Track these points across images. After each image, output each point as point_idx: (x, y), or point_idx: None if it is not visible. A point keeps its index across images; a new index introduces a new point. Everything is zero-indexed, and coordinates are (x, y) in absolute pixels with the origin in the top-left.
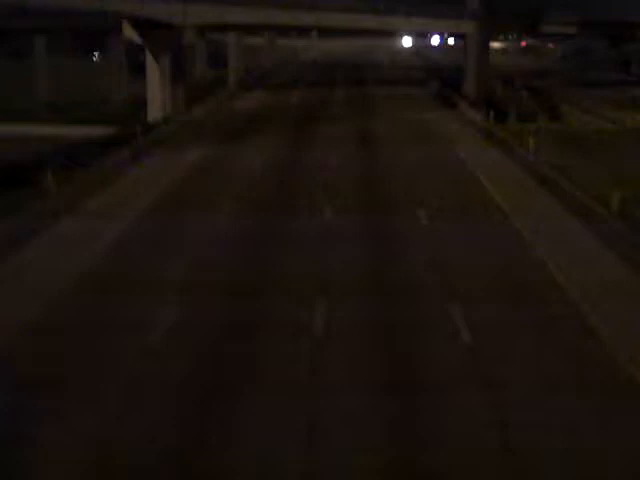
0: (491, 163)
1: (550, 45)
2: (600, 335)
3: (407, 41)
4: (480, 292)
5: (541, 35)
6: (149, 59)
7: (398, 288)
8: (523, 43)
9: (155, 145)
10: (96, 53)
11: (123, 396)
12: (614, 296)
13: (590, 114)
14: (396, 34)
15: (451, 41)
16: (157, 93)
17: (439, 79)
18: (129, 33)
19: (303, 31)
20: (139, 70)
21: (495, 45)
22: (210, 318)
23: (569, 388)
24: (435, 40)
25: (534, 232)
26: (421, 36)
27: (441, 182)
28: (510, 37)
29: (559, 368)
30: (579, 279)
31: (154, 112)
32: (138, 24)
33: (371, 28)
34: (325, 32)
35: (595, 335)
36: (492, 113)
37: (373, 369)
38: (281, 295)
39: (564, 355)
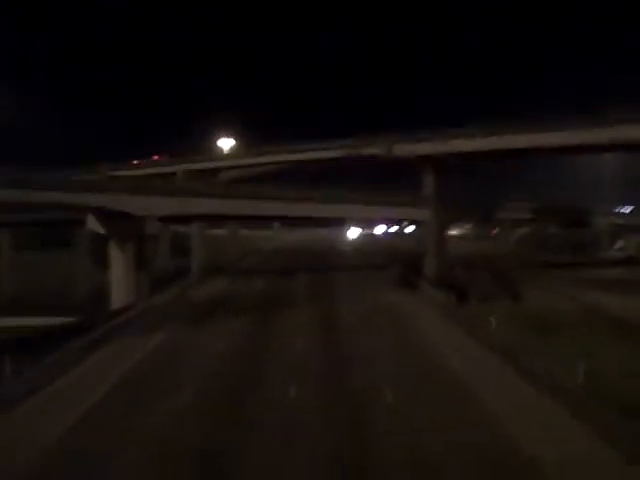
0: (456, 343)
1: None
2: None
3: (354, 232)
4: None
5: (496, 221)
6: (113, 249)
7: None
8: (493, 232)
9: (116, 331)
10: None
11: None
12: None
13: (550, 293)
14: (357, 222)
15: (392, 229)
16: (121, 281)
17: (400, 263)
18: (94, 225)
19: (266, 222)
20: (103, 260)
21: (454, 232)
22: None
23: None
24: (379, 229)
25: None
26: (376, 224)
27: (406, 365)
28: (468, 224)
29: None
30: None
31: (118, 300)
32: (102, 216)
33: (332, 216)
34: (288, 223)
35: None
36: (454, 294)
37: None
38: None
39: None
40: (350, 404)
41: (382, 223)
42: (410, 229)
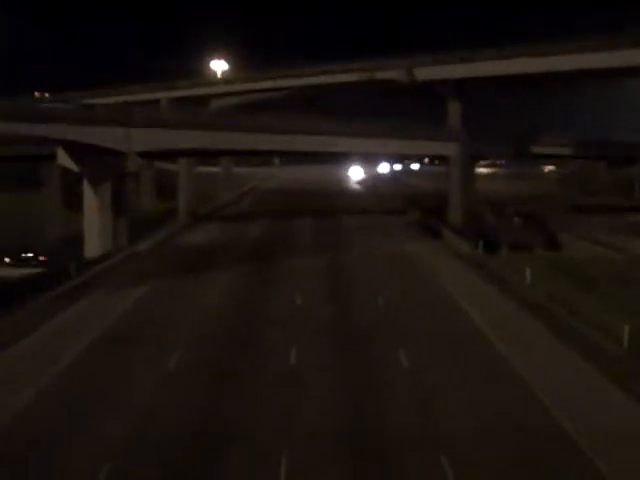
0: (483, 300)
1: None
2: None
3: (357, 172)
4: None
5: (532, 157)
6: (87, 189)
7: None
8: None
9: (90, 285)
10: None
11: None
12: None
13: (591, 242)
14: (362, 160)
15: (397, 167)
16: (96, 226)
17: (419, 206)
18: (64, 160)
19: (264, 157)
20: (77, 201)
21: (483, 170)
22: None
23: None
24: (384, 168)
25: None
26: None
27: (430, 330)
28: (499, 160)
29: None
30: None
31: (92, 248)
32: (75, 151)
33: (344, 152)
34: (289, 160)
35: None
36: (481, 243)
37: None
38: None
39: None
40: (358, 374)
41: (386, 160)
42: (416, 166)
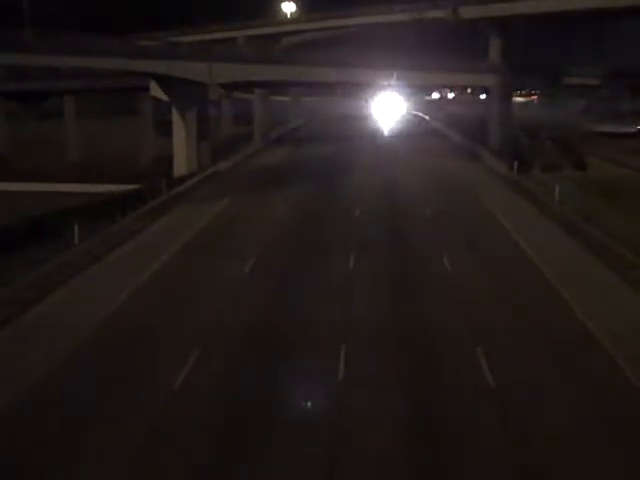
0: (517, 211)
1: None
2: None
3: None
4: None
5: (563, 87)
6: (175, 116)
7: None
8: None
9: (179, 199)
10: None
11: None
12: None
13: (614, 162)
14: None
15: (435, 95)
16: (183, 149)
17: (461, 131)
18: (156, 92)
19: (327, 87)
20: (167, 127)
21: (517, 99)
22: None
23: None
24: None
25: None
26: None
27: (465, 232)
28: (533, 90)
29: None
30: None
31: (180, 167)
32: (164, 83)
33: (397, 82)
34: (349, 90)
35: None
36: (516, 163)
37: None
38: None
39: None
40: (405, 279)
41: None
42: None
